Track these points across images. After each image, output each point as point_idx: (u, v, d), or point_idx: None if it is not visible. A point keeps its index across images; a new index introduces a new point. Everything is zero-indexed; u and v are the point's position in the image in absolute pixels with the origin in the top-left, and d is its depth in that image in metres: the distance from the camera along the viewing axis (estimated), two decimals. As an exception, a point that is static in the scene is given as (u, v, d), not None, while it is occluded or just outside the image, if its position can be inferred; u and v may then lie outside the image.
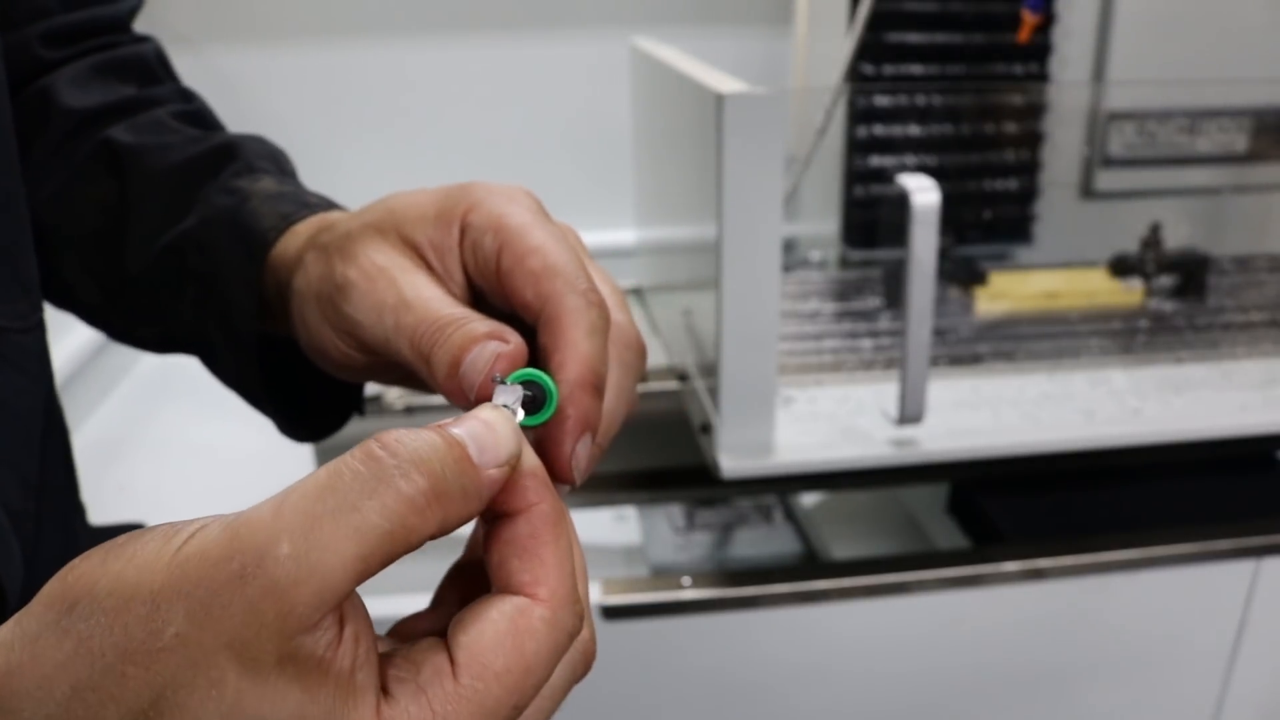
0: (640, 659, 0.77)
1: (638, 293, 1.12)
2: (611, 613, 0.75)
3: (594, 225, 1.31)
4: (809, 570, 0.82)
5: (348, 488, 0.22)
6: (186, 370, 1.32)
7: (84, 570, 0.22)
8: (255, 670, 0.21)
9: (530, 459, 0.26)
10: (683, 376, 0.87)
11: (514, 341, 0.30)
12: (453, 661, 0.24)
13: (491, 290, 0.33)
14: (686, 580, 0.76)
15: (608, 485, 0.97)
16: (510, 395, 0.28)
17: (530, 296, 0.32)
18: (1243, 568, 0.81)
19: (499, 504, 0.26)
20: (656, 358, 0.95)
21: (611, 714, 0.79)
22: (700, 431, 0.78)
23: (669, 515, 1.00)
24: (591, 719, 0.80)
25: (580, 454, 0.30)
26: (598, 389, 0.31)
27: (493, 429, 0.25)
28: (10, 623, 0.22)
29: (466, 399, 0.30)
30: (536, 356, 0.32)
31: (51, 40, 0.48)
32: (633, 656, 0.77)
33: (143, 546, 0.22)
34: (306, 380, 0.44)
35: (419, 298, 0.32)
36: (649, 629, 0.76)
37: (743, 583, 0.77)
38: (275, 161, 0.46)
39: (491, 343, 0.30)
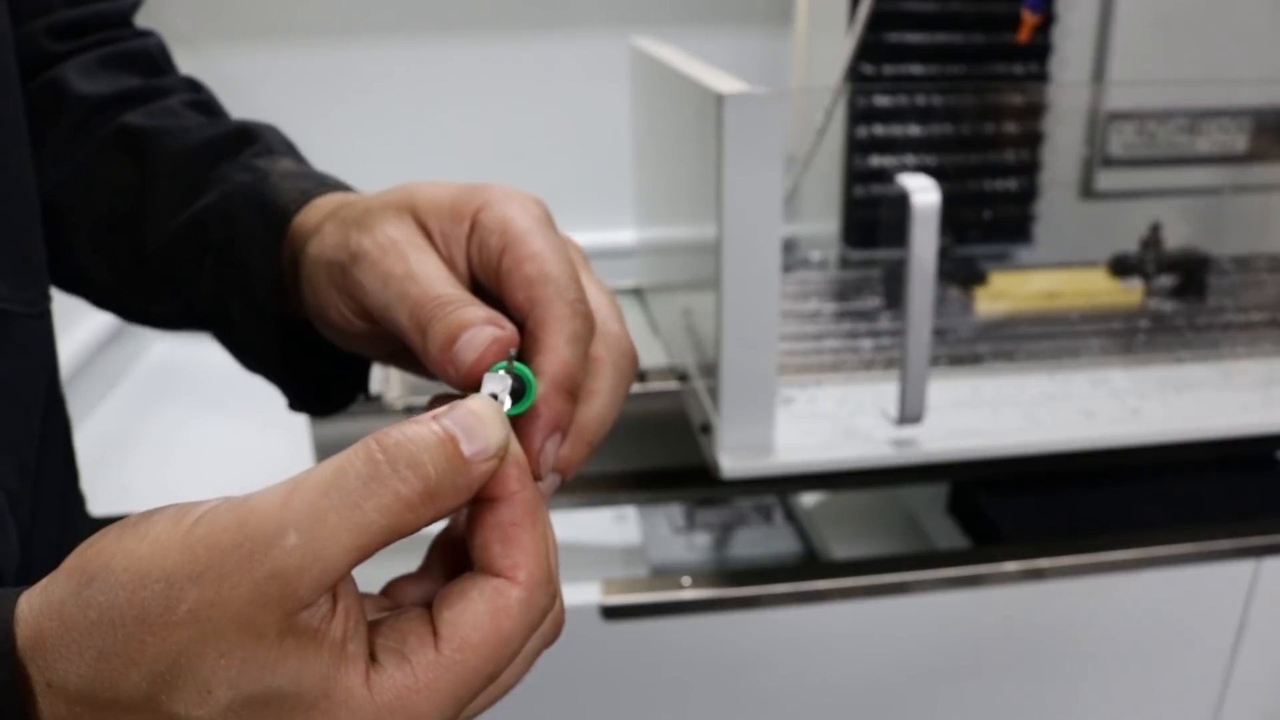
0: (640, 659, 0.77)
1: (638, 293, 1.12)
2: (611, 613, 0.75)
3: (594, 225, 1.31)
4: (809, 570, 0.82)
5: (351, 487, 0.25)
6: (187, 370, 1.32)
7: (101, 546, 0.25)
8: (259, 642, 0.24)
9: (515, 449, 0.28)
10: (683, 376, 0.87)
11: (509, 329, 0.32)
12: (436, 634, 0.26)
13: (491, 287, 0.35)
14: (686, 580, 0.76)
15: (608, 485, 0.97)
16: (500, 385, 0.30)
17: (521, 299, 0.33)
18: (1243, 568, 0.81)
19: (484, 490, 0.27)
20: (656, 358, 0.95)
21: (612, 714, 0.79)
22: (700, 431, 0.78)
23: (669, 515, 1.00)
24: (592, 718, 0.80)
25: (549, 451, 0.32)
26: (571, 393, 0.33)
27: (482, 420, 0.27)
28: (37, 590, 0.25)
29: (454, 375, 0.32)
30: (521, 357, 0.33)
31: (57, 34, 0.49)
32: (633, 656, 0.77)
33: (154, 526, 0.25)
34: (317, 357, 0.45)
35: (425, 273, 0.34)
36: (649, 629, 0.76)
37: (743, 583, 0.77)
38: (291, 148, 0.47)
39: (489, 327, 0.32)
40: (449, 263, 0.35)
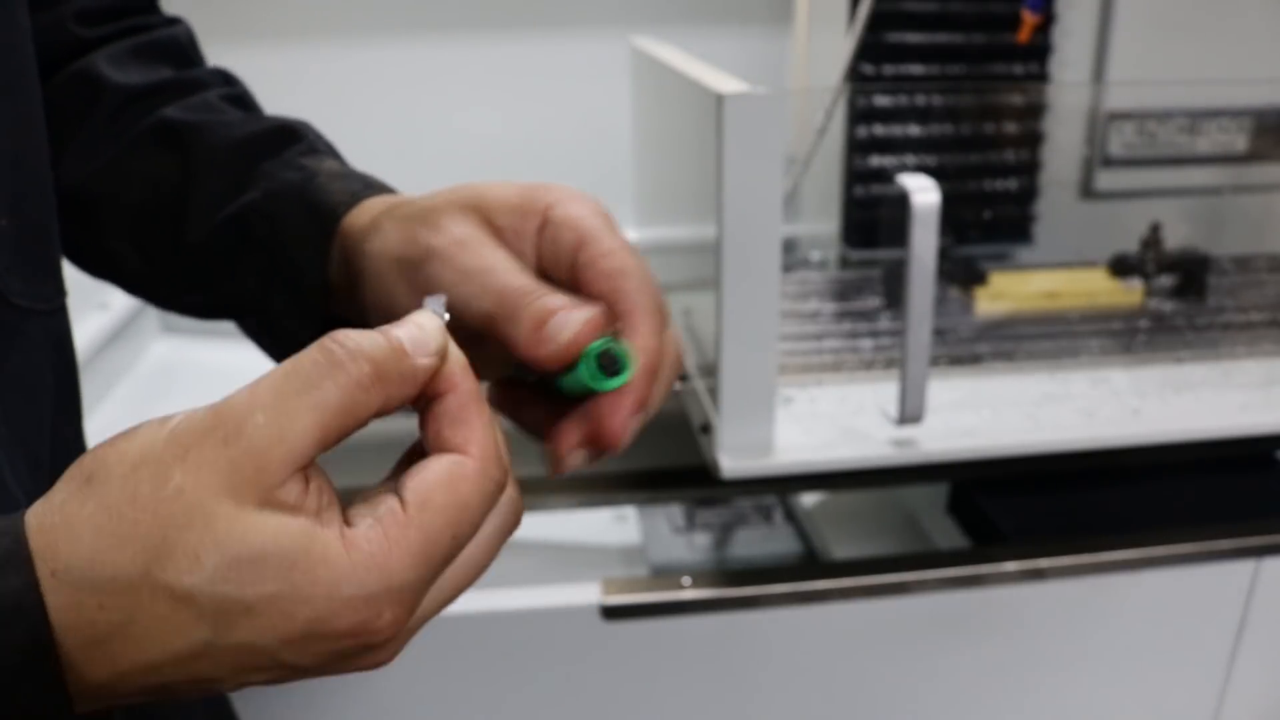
0: (640, 659, 0.78)
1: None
2: (611, 613, 0.75)
3: (594, 225, 1.31)
4: (809, 570, 0.82)
5: (308, 372, 0.28)
6: (187, 370, 1.32)
7: (95, 453, 0.28)
8: (240, 510, 0.26)
9: (455, 351, 0.31)
10: (683, 376, 0.87)
11: (598, 309, 0.35)
12: (401, 500, 0.29)
13: (562, 279, 0.37)
14: (686, 580, 0.76)
15: (608, 485, 0.97)
16: (438, 304, 0.33)
17: (604, 290, 0.36)
18: (1243, 568, 0.81)
19: (431, 389, 0.30)
20: (656, 358, 0.94)
21: (612, 714, 0.79)
22: (700, 431, 0.79)
23: (669, 515, 1.01)
24: (592, 719, 0.80)
25: (631, 425, 0.35)
26: (656, 377, 0.36)
27: (424, 329, 0.30)
28: (39, 500, 0.28)
29: (548, 353, 0.34)
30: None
31: (85, 20, 0.50)
32: (633, 656, 0.77)
33: (140, 430, 0.28)
34: None
35: (503, 266, 0.36)
36: (649, 629, 0.76)
37: (743, 583, 0.77)
38: (331, 147, 0.49)
39: (582, 309, 0.34)
40: (518, 256, 0.37)
